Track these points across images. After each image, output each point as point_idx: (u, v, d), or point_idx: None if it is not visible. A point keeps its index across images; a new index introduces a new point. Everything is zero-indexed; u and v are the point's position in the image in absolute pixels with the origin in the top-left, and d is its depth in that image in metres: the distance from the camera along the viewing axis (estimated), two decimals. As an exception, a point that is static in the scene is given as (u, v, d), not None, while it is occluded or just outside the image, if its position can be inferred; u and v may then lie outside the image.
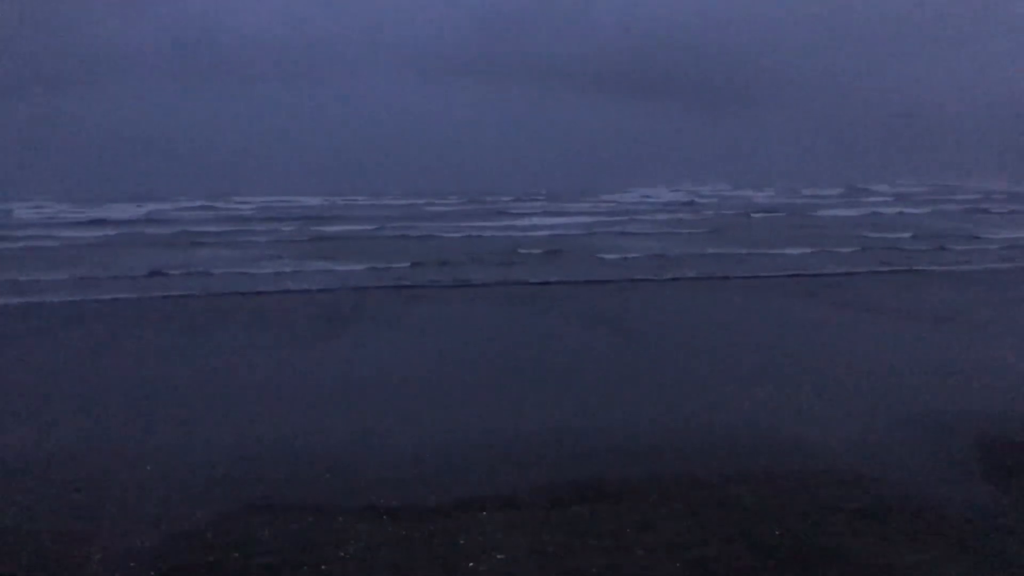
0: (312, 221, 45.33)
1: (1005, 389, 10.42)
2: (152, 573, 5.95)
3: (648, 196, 75.88)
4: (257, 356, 13.00)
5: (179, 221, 46.21)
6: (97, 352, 13.46)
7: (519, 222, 44.00)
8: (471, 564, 5.98)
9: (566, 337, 14.31)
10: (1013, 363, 11.81)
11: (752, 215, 49.64)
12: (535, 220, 45.06)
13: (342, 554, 6.18)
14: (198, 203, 63.76)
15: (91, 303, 18.47)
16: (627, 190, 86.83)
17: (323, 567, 5.99)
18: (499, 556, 6.09)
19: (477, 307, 18.00)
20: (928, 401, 9.93)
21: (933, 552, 6.03)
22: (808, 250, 28.03)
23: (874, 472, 7.65)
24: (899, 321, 15.34)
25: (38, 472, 7.98)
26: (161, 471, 7.94)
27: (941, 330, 14.45)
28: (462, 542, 6.33)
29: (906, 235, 33.91)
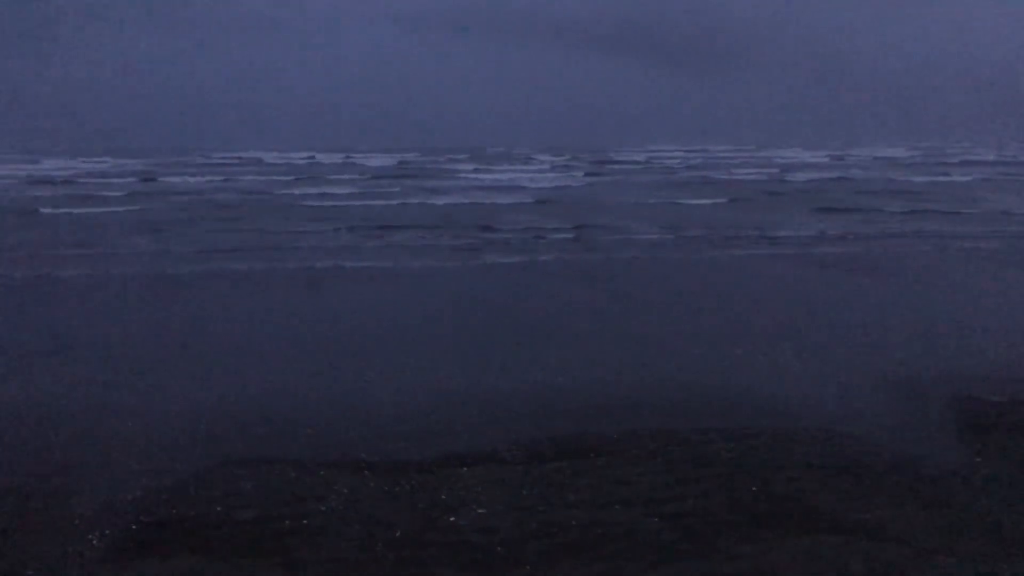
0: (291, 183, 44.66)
1: (982, 350, 10.54)
2: (134, 527, 5.98)
3: (662, 154, 75.37)
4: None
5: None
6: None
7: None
8: (451, 519, 6.04)
9: (552, 298, 14.33)
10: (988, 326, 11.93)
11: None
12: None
13: (323, 508, 6.23)
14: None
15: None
16: (637, 149, 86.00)
17: (305, 520, 6.03)
18: (479, 510, 6.16)
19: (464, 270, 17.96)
20: (904, 359, 10.04)
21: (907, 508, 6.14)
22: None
23: (852, 430, 7.75)
24: (878, 281, 15.40)
25: (12, 430, 7.96)
26: (141, 428, 7.93)
27: (915, 291, 14.54)
28: (443, 496, 6.39)
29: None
